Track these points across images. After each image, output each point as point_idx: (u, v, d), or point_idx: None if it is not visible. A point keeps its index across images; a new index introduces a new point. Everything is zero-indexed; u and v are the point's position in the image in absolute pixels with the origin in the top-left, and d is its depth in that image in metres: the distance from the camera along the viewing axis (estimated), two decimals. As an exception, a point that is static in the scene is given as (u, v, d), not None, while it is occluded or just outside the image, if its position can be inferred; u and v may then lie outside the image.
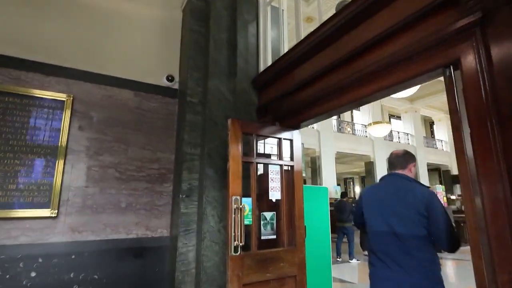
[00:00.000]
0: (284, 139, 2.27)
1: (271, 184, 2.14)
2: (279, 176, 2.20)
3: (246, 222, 1.93)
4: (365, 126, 13.82)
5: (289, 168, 2.29)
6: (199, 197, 2.57)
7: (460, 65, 1.26)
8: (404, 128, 17.02)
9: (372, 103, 13.64)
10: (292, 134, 2.33)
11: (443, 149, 18.14)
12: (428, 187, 1.83)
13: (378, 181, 1.87)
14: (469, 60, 1.23)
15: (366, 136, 14.47)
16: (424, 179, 15.93)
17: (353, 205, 12.12)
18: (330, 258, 3.62)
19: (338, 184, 22.94)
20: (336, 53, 1.82)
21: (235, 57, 2.81)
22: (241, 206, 1.87)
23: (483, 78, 1.17)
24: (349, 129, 14.54)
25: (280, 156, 2.25)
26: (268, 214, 2.13)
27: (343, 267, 5.81)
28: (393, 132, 16.01)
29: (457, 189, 17.74)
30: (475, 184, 1.15)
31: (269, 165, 2.18)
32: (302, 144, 9.20)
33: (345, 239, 6.25)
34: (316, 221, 3.46)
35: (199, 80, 2.84)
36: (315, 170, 12.45)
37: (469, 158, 1.19)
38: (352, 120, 16.73)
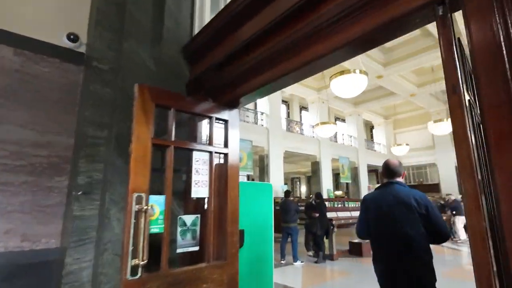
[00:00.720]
0: (217, 119, 1.75)
1: (195, 177, 1.61)
2: (207, 167, 1.67)
3: (154, 229, 1.37)
4: (313, 126, 14.00)
5: (222, 158, 1.77)
6: (102, 195, 1.92)
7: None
8: (348, 130, 17.80)
9: (319, 104, 13.85)
10: (229, 114, 1.83)
11: (380, 152, 19.44)
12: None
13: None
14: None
15: (313, 137, 14.72)
16: (364, 179, 16.83)
17: (299, 204, 12.18)
18: (272, 261, 3.21)
19: (286, 184, 23.22)
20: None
21: (162, 16, 2.20)
22: (146, 208, 1.31)
23: (501, 12, 0.79)
24: (297, 128, 14.63)
25: (210, 141, 1.72)
26: (188, 218, 1.59)
27: (287, 270, 5.52)
28: (338, 133, 16.61)
29: (392, 189, 19.16)
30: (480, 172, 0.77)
31: (194, 152, 1.64)
32: (251, 141, 8.74)
33: (289, 240, 6.00)
34: (259, 221, 3.02)
35: (112, 42, 2.16)
36: (263, 169, 12.20)
37: (473, 139, 0.81)
38: (301, 120, 16.96)
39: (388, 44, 11.57)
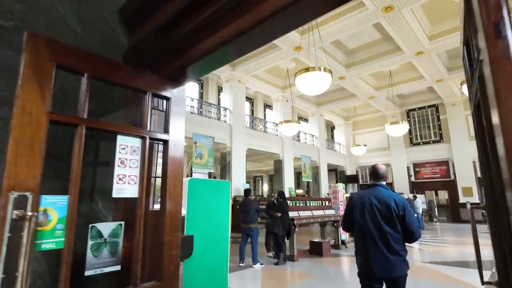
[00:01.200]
0: (156, 95, 1.34)
1: (118, 171, 1.18)
2: (137, 158, 1.26)
3: (48, 245, 0.94)
4: (276, 124, 13.88)
5: (161, 146, 1.37)
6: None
7: None
8: (310, 130, 18.03)
9: (283, 103, 13.77)
10: (173, 90, 1.43)
11: (340, 152, 20.03)
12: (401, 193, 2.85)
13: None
14: None
15: (277, 135, 14.62)
16: (324, 178, 17.16)
17: (260, 203, 11.98)
18: (227, 266, 2.85)
19: (248, 182, 22.99)
20: None
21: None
22: (31, 214, 0.88)
23: None
24: (261, 126, 14.42)
25: (143, 124, 1.31)
26: (105, 227, 1.16)
27: (245, 274, 5.20)
28: (300, 133, 16.74)
29: (350, 188, 19.86)
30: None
31: (119, 136, 1.22)
32: (213, 138, 8.27)
33: (249, 241, 5.68)
34: (214, 222, 2.65)
35: (20, -8, 1.64)
36: (225, 167, 11.78)
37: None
38: (265, 118, 16.81)
39: (351, 46, 11.81)
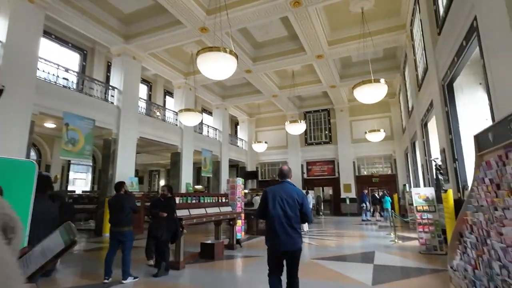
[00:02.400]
0: None
1: None
2: None
3: None
4: (176, 113, 12.56)
5: None
6: None
7: None
8: (214, 123, 17.30)
9: (186, 91, 12.51)
10: None
11: (242, 148, 20.02)
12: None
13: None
14: None
15: (177, 125, 13.29)
16: (225, 173, 16.69)
17: (143, 199, 10.43)
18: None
19: (141, 176, 20.52)
20: None
21: None
22: None
23: None
24: (158, 113, 12.81)
25: None
26: None
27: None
28: (203, 125, 15.80)
29: (249, 184, 20.06)
30: None
31: None
32: (93, 120, 6.41)
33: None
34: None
35: None
36: (109, 157, 9.81)
37: None
38: (165, 105, 15.16)
39: (259, 39, 11.57)
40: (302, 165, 18.75)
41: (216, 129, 16.94)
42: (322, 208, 19.71)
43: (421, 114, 9.04)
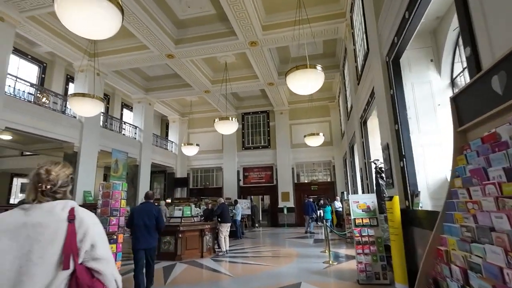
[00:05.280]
0: None
1: None
2: None
3: None
4: (62, 97, 9.72)
5: None
6: None
7: None
8: (134, 120, 14.59)
9: (91, 76, 9.80)
10: None
11: (172, 151, 17.53)
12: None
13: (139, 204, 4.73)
14: None
15: (75, 117, 10.44)
16: (145, 180, 14.05)
17: None
18: None
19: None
20: None
21: None
22: None
23: None
24: (45, 99, 9.82)
25: None
26: None
27: None
28: (115, 121, 13.05)
29: (179, 192, 17.56)
30: None
31: None
32: None
33: None
34: None
35: None
36: None
37: None
38: (66, 93, 12.02)
39: (181, 16, 9.55)
40: (238, 171, 16.93)
41: (136, 127, 14.26)
42: (260, 218, 18.09)
43: (360, 110, 7.91)
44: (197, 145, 14.21)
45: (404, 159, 4.20)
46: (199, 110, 17.61)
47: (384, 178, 5.33)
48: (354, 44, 8.42)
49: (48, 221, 1.09)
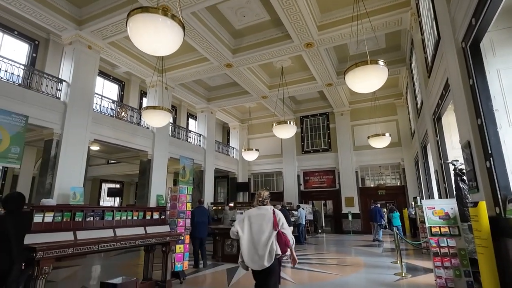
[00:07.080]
0: None
1: None
2: None
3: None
4: (137, 110, 10.82)
5: None
6: None
7: None
8: (198, 129, 15.57)
9: (161, 89, 10.78)
10: None
11: (233, 157, 18.16)
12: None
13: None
14: None
15: (148, 128, 11.60)
16: (210, 184, 14.83)
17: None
18: None
19: (118, 188, 18.65)
20: None
21: None
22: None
23: None
24: (124, 114, 11.12)
25: None
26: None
27: None
28: (183, 130, 14.07)
29: (241, 196, 18.07)
30: None
31: None
32: (26, 117, 4.81)
33: None
34: None
35: None
36: (48, 161, 8.09)
37: None
38: (140, 107, 13.46)
39: (237, 25, 9.90)
40: (298, 176, 16.70)
41: (200, 134, 15.19)
42: (323, 224, 17.48)
43: (433, 105, 7.08)
44: (257, 150, 14.45)
45: (491, 158, 3.59)
46: (258, 116, 17.93)
47: (466, 181, 4.64)
48: (422, 34, 7.62)
49: (266, 212, 2.87)
